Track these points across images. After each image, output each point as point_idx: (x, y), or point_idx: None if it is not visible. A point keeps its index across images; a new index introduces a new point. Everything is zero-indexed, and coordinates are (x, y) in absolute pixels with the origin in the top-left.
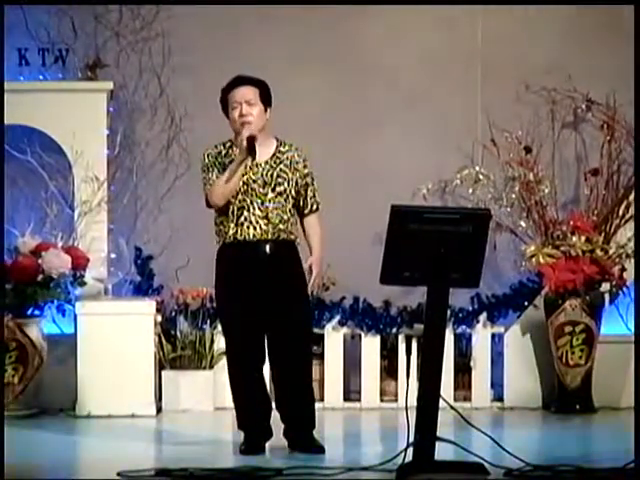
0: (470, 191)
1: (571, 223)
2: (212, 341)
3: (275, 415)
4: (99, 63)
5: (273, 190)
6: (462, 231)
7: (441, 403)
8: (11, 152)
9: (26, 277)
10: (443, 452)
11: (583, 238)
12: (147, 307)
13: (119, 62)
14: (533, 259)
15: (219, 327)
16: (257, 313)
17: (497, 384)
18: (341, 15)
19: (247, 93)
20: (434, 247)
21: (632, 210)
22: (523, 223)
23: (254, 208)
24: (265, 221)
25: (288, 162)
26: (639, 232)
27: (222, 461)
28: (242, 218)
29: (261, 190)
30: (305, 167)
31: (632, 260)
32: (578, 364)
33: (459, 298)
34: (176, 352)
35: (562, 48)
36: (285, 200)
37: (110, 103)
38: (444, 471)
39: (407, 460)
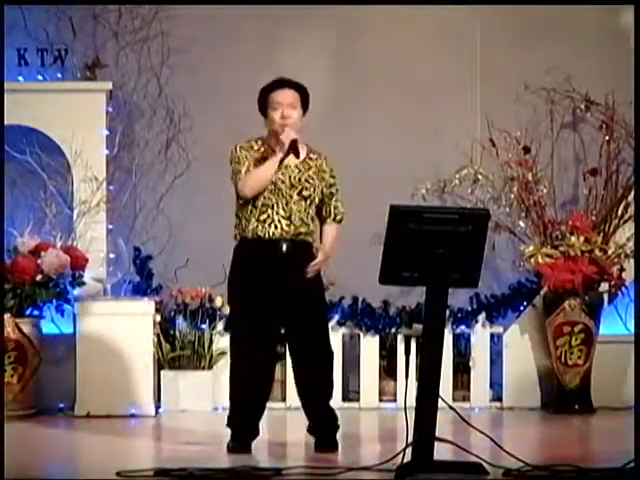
0: (469, 191)
1: (570, 223)
2: (211, 341)
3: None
4: (98, 63)
5: (299, 193)
6: (461, 231)
7: (440, 403)
8: (10, 152)
9: (25, 277)
10: (442, 452)
11: (582, 238)
12: (146, 307)
13: (118, 62)
14: (532, 259)
15: (218, 327)
16: (271, 312)
17: (496, 384)
18: (341, 15)
19: (290, 96)
20: (433, 247)
21: (631, 210)
22: (522, 223)
23: (278, 207)
24: (287, 222)
25: (316, 169)
26: (638, 232)
27: (221, 461)
28: (265, 215)
29: (287, 191)
30: (332, 177)
31: (631, 260)
32: (577, 364)
33: (458, 298)
34: (175, 352)
35: (561, 48)
36: (309, 205)
37: (109, 103)
38: (443, 471)
39: (406, 460)
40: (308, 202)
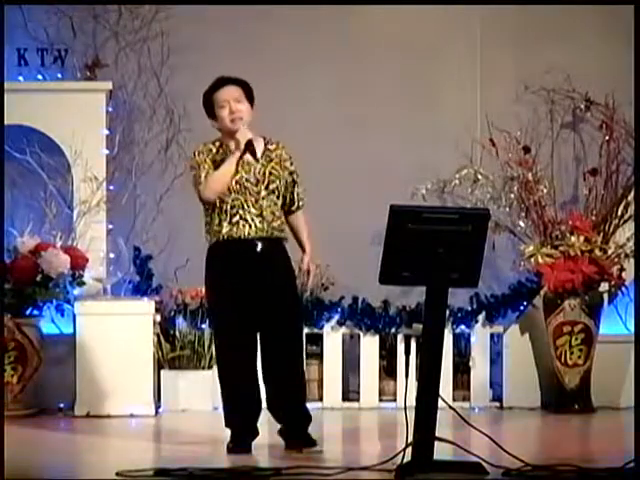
0: (469, 191)
1: (570, 223)
2: (211, 341)
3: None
4: (98, 63)
5: (266, 188)
6: (461, 231)
7: (440, 403)
8: (10, 152)
9: (25, 277)
10: (442, 452)
11: (582, 238)
12: (146, 307)
13: (118, 62)
14: (532, 259)
15: None
16: (250, 311)
17: (496, 384)
18: (341, 15)
19: (234, 91)
20: (433, 247)
21: (631, 210)
22: (522, 223)
23: (248, 206)
24: (260, 219)
25: (278, 160)
26: (638, 232)
27: (221, 461)
28: (237, 217)
29: (254, 188)
30: (291, 164)
31: (631, 260)
32: (577, 364)
33: (458, 298)
34: (175, 352)
35: (561, 48)
36: (277, 197)
37: (109, 103)
38: (443, 471)
39: (406, 460)
40: (276, 194)
